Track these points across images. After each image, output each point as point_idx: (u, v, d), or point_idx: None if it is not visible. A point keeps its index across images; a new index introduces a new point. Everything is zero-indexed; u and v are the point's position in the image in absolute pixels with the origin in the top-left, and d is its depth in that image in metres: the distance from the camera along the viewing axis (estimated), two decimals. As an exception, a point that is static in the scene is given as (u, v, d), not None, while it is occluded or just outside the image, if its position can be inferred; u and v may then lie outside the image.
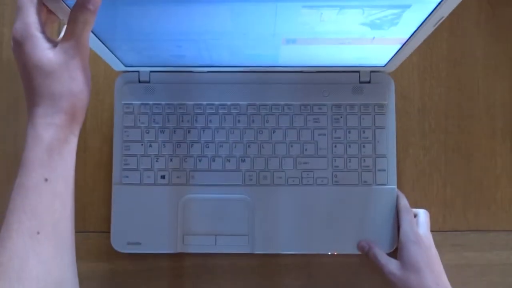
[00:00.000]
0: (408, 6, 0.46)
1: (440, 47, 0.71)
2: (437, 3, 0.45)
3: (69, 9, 0.45)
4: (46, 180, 0.42)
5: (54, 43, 0.43)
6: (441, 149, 0.70)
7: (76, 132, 0.45)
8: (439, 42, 0.71)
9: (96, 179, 0.70)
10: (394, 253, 0.63)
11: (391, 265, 0.61)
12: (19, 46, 0.42)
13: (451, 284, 0.59)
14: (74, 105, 0.43)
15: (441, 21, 0.48)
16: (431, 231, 0.63)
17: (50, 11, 0.46)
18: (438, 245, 0.63)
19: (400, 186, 0.67)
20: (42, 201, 0.41)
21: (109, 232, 0.66)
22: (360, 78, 0.66)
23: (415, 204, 0.69)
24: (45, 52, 0.42)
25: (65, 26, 0.49)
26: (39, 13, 0.43)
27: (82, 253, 0.68)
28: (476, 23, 0.71)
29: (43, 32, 0.43)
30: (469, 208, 0.70)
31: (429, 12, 0.47)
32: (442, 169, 0.70)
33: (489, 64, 0.71)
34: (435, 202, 0.69)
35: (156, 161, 0.66)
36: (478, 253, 0.68)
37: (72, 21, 0.42)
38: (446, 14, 0.47)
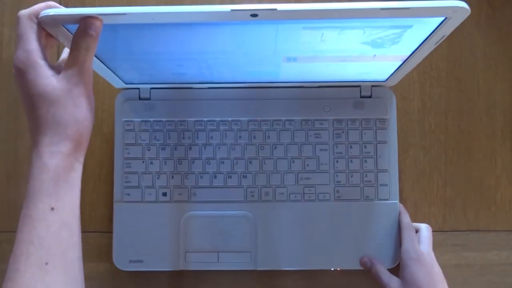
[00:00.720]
0: (410, 27, 0.46)
1: (440, 47, 0.71)
2: (438, 24, 0.45)
3: (69, 33, 0.45)
4: (52, 209, 0.41)
5: (57, 70, 0.43)
6: (441, 149, 0.70)
7: (81, 158, 0.45)
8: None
9: (96, 179, 0.70)
10: (397, 269, 0.63)
11: (393, 284, 0.60)
12: (22, 74, 0.42)
13: (451, 284, 0.59)
14: (79, 132, 0.43)
15: (442, 39, 0.48)
16: (433, 231, 0.64)
17: (49, 35, 0.46)
18: (438, 245, 0.63)
19: (400, 186, 0.66)
20: (50, 231, 0.41)
21: (108, 232, 0.67)
22: (361, 93, 0.66)
23: (415, 204, 0.69)
24: (49, 80, 0.42)
25: (65, 50, 0.49)
26: (40, 39, 0.43)
27: (82, 253, 0.68)
28: (476, 24, 0.71)
29: (45, 59, 0.43)
30: (469, 208, 0.69)
31: (430, 32, 0.47)
32: (442, 169, 0.70)
33: (489, 64, 0.71)
34: (435, 202, 0.69)
35: (158, 178, 0.66)
36: (478, 253, 0.68)
37: (75, 47, 0.42)
38: (447, 34, 0.46)
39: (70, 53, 0.43)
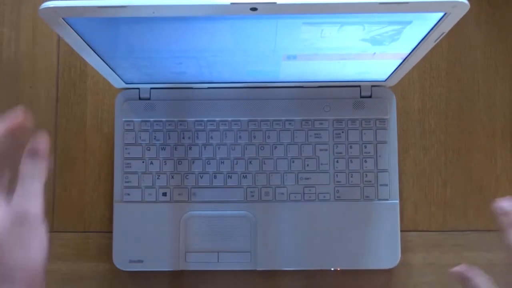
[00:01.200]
0: (409, 23, 0.46)
1: (440, 47, 0.71)
2: (437, 20, 0.45)
3: (70, 27, 0.45)
4: None
5: (4, 209, 0.38)
6: (441, 149, 0.70)
7: None
8: (439, 42, 0.71)
9: (96, 179, 0.70)
10: (397, 269, 0.63)
11: None
12: None
13: (451, 284, 0.58)
14: (31, 279, 0.37)
15: (442, 36, 0.48)
16: (433, 231, 0.63)
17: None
18: (438, 245, 0.63)
19: (400, 186, 0.66)
20: None
21: (108, 232, 0.67)
22: (361, 93, 0.66)
23: (415, 204, 0.69)
24: None
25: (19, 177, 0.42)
26: None
27: (82, 253, 0.68)
28: (476, 23, 0.71)
29: None
30: (469, 208, 0.69)
31: (429, 28, 0.47)
32: (442, 169, 0.70)
33: (489, 64, 0.71)
34: (435, 202, 0.69)
35: (158, 178, 0.66)
36: (478, 253, 0.68)
37: (20, 177, 0.39)
38: (447, 30, 0.47)
39: (18, 184, 0.39)
